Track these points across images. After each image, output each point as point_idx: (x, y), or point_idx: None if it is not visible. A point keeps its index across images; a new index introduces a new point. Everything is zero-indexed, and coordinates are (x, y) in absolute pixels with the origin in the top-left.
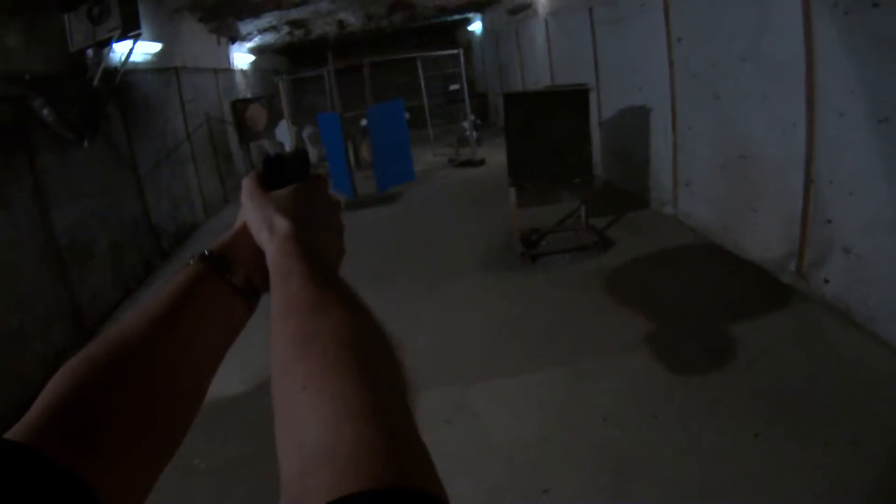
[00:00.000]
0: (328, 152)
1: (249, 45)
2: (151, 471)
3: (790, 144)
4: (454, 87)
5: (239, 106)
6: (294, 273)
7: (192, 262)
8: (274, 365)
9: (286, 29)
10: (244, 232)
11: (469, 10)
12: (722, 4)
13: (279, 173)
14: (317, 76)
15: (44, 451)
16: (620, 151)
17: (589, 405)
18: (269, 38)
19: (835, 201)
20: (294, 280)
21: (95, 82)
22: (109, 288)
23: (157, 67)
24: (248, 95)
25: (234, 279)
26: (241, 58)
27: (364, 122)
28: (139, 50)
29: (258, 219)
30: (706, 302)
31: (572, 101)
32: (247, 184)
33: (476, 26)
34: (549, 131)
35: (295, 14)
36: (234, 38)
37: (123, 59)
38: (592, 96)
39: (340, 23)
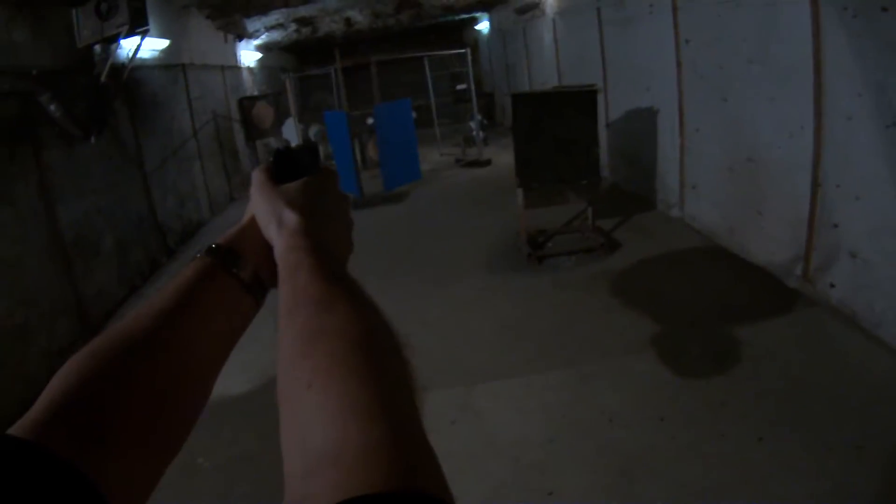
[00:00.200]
0: (335, 151)
1: (256, 42)
2: (156, 467)
3: (797, 148)
4: (461, 86)
5: (246, 103)
6: (302, 267)
7: (199, 256)
8: (280, 361)
9: (293, 26)
10: (252, 225)
11: (476, 10)
12: (731, 6)
13: (289, 166)
14: (324, 74)
15: (48, 448)
16: (627, 153)
17: (594, 406)
18: (277, 35)
19: (842, 205)
20: (302, 274)
21: (103, 78)
22: (114, 284)
23: (165, 64)
24: (255, 93)
25: (242, 273)
26: (248, 55)
27: (371, 120)
28: (147, 46)
29: (267, 212)
30: (712, 305)
31: (580, 101)
32: (256, 176)
33: (483, 26)
34: (557, 132)
35: (302, 11)
36: (242, 35)
37: (131, 55)
38: (600, 97)
39: (348, 21)
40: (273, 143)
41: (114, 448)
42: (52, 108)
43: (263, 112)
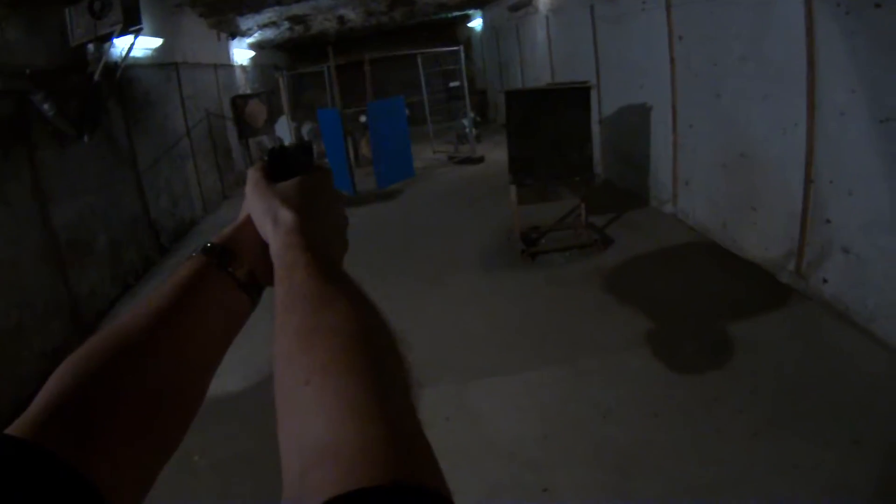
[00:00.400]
0: (328, 148)
1: (249, 40)
2: (153, 465)
3: (791, 144)
4: (454, 84)
5: (239, 102)
6: (298, 266)
7: (195, 255)
8: (277, 358)
9: (286, 24)
10: (248, 224)
11: (469, 7)
12: (724, 3)
13: (284, 165)
14: (317, 72)
15: (46, 447)
16: (620, 149)
17: (589, 402)
18: (269, 33)
19: (834, 201)
20: (298, 273)
21: (96, 77)
22: (108, 284)
23: (158, 63)
24: (248, 91)
25: (238, 272)
26: (241, 53)
27: (364, 118)
28: (140, 45)
29: (262, 210)
30: (705, 301)
31: (573, 98)
32: (252, 175)
33: (476, 23)
34: (550, 128)
35: (295, 9)
36: (234, 33)
37: (124, 53)
38: (593, 94)
39: (340, 18)
40: (266, 141)
41: (110, 447)
42: (46, 107)
43: (256, 110)
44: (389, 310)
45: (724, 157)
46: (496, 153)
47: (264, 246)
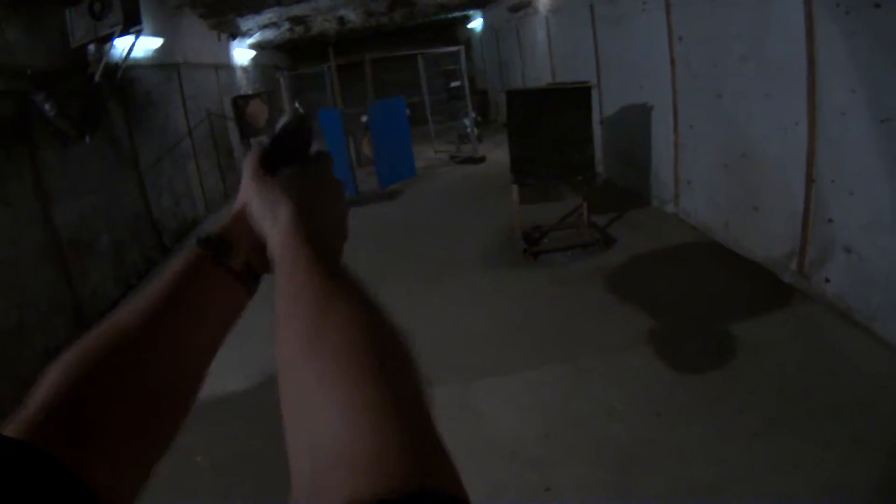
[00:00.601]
0: (329, 148)
1: (250, 41)
2: (147, 464)
3: (792, 143)
4: (455, 84)
5: (240, 102)
6: (300, 262)
7: (190, 247)
8: (282, 358)
9: (286, 25)
10: (244, 213)
11: (470, 7)
12: (724, 3)
13: (282, 151)
14: (317, 73)
15: (41, 448)
16: (622, 149)
17: (591, 402)
18: (270, 34)
19: (836, 200)
20: (300, 270)
21: (97, 78)
22: (111, 283)
23: (159, 63)
24: (249, 92)
25: (234, 263)
26: (242, 54)
27: (365, 118)
28: (140, 45)
29: (261, 202)
30: (707, 300)
31: (574, 98)
32: (249, 163)
33: (477, 23)
34: (552, 128)
35: (295, 10)
36: (235, 34)
37: (125, 54)
38: (594, 94)
39: (341, 19)
40: (266, 141)
41: (107, 447)
42: (47, 107)
43: (258, 110)
44: (391, 309)
45: (726, 156)
46: (497, 153)
47: (261, 235)
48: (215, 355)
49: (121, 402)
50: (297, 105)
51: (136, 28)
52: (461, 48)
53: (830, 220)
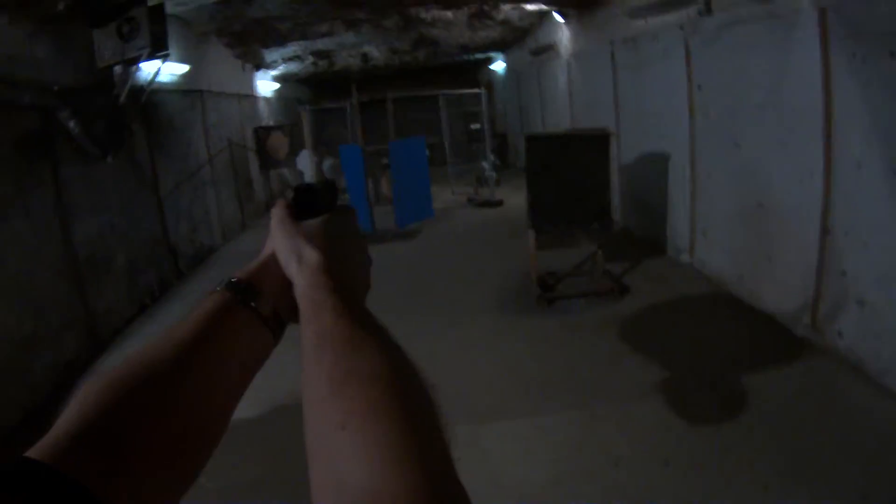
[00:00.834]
0: (348, 185)
1: (274, 73)
2: (172, 496)
3: (807, 194)
4: (475, 126)
5: (261, 133)
6: (326, 307)
7: (218, 290)
8: (308, 400)
9: (310, 59)
10: (271, 260)
11: (492, 49)
12: (743, 52)
13: (308, 203)
14: (339, 108)
15: (68, 474)
16: (638, 197)
17: (601, 449)
18: (294, 67)
19: (850, 252)
20: (327, 314)
21: (122, 99)
22: (125, 302)
23: (183, 89)
24: (270, 123)
25: (261, 309)
26: (265, 85)
27: (385, 160)
28: (166, 70)
29: (287, 248)
30: (720, 352)
31: (593, 144)
32: (277, 212)
33: (499, 66)
34: (570, 174)
35: (320, 45)
36: (259, 65)
37: (150, 78)
38: (612, 141)
39: (364, 56)
40: (286, 174)
41: (135, 479)
42: (72, 124)
43: (278, 142)
44: (405, 349)
45: (742, 206)
46: (515, 197)
47: (288, 283)
48: (241, 395)
49: (148, 433)
50: (325, 168)
51: (163, 53)
52: (483, 90)
53: (844, 273)
